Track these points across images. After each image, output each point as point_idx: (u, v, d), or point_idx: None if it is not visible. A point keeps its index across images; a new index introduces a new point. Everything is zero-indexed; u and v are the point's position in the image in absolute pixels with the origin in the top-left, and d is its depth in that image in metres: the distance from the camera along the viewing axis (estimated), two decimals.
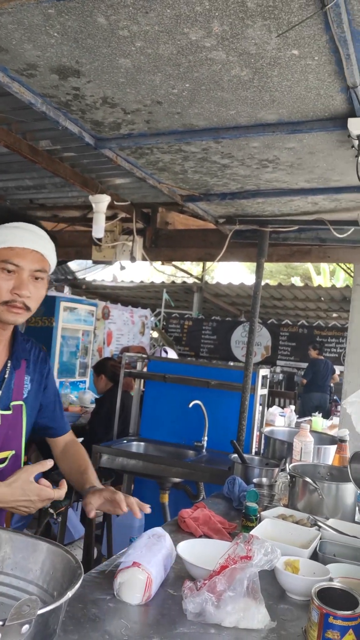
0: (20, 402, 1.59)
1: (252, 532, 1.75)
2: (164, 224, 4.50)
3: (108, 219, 4.06)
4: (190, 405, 3.63)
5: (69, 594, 0.77)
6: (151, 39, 1.74)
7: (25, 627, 0.70)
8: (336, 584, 1.41)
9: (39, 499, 1.40)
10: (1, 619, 0.68)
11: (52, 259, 1.52)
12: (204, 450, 3.72)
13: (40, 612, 0.71)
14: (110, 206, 3.76)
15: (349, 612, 1.25)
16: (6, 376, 1.55)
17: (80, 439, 4.76)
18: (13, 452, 1.58)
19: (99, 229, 3.55)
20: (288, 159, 2.69)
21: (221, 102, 2.13)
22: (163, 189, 3.32)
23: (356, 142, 2.19)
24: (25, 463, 1.61)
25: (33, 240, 1.45)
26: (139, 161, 2.92)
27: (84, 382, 8.09)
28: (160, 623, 1.32)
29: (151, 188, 3.39)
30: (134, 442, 3.96)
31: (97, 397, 5.14)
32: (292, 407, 6.23)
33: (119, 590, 1.40)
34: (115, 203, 3.90)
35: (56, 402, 1.78)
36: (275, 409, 5.66)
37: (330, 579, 1.48)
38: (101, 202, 3.54)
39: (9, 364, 1.57)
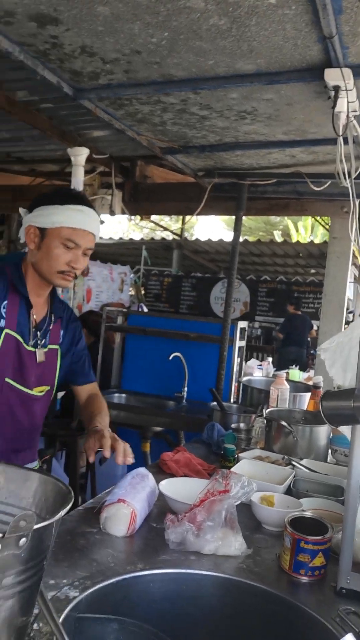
0: (57, 347, 1.89)
1: None
2: (143, 177, 4.48)
3: (87, 172, 4.02)
4: (170, 357, 3.72)
5: (62, 512, 0.84)
6: None
7: (23, 540, 0.77)
8: (307, 513, 1.52)
9: None
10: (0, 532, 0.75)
11: (98, 237, 1.81)
12: (184, 401, 3.82)
13: (36, 527, 0.77)
14: (89, 159, 3.72)
15: (319, 537, 1.36)
16: (47, 325, 1.85)
17: (63, 392, 4.85)
18: (48, 387, 1.87)
19: (77, 182, 3.53)
20: (266, 111, 2.69)
21: (200, 51, 2.12)
22: (142, 141, 3.30)
23: (332, 93, 2.20)
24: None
25: (90, 223, 1.75)
26: (117, 112, 2.90)
27: None
28: (144, 552, 1.41)
29: (130, 140, 3.37)
30: (116, 394, 4.05)
31: None
32: (270, 359, 6.35)
33: (104, 524, 1.50)
34: (94, 156, 3.87)
35: (85, 355, 2.05)
36: (253, 362, 5.78)
37: (303, 511, 1.59)
38: (80, 155, 3.50)
39: (51, 316, 1.86)
